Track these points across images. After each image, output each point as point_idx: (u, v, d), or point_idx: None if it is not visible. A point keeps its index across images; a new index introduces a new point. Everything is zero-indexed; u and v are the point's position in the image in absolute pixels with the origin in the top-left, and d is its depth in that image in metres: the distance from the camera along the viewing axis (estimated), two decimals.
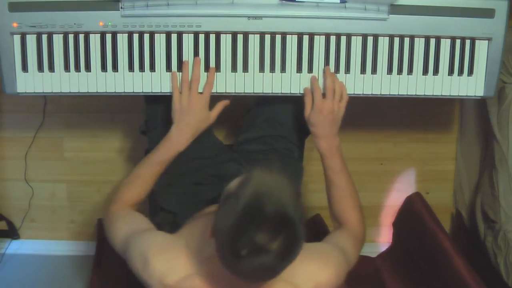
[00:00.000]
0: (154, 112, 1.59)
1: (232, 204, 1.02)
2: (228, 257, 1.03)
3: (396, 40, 1.49)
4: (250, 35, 1.46)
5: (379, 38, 1.49)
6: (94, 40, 1.45)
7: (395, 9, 1.46)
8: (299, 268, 1.16)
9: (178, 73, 1.46)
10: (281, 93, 1.50)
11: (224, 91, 1.48)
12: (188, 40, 1.46)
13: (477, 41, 1.51)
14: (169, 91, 1.47)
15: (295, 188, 1.07)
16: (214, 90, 1.47)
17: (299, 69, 1.49)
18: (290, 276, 1.16)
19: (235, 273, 1.05)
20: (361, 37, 1.48)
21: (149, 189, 1.44)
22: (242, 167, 1.61)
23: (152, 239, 1.22)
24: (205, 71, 1.47)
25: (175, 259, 1.17)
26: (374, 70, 1.51)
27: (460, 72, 1.52)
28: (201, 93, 1.44)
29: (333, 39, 1.48)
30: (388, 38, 1.49)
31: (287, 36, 1.47)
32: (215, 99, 1.50)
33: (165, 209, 1.56)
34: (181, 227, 1.48)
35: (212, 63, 1.47)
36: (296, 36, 1.47)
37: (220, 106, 1.47)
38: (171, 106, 1.43)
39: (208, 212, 1.49)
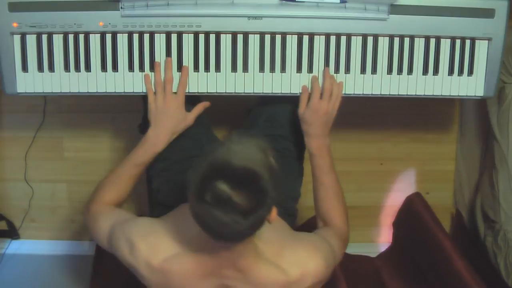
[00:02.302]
0: None
1: (205, 157, 1.07)
2: (195, 205, 1.05)
3: (396, 40, 1.49)
4: (250, 35, 1.46)
5: (379, 38, 1.49)
6: (94, 40, 1.45)
7: (395, 9, 1.46)
8: (287, 253, 1.19)
9: (151, 73, 1.46)
10: (281, 93, 1.50)
11: (224, 91, 1.48)
12: (188, 40, 1.46)
13: (477, 41, 1.51)
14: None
15: (272, 155, 1.11)
16: (214, 90, 1.48)
17: (299, 69, 1.48)
18: (278, 260, 1.18)
19: (205, 228, 1.07)
20: (361, 37, 1.48)
21: (129, 190, 1.46)
22: None
23: (136, 224, 1.26)
24: (205, 71, 1.47)
25: (160, 240, 1.20)
26: (374, 70, 1.51)
27: (460, 72, 1.52)
28: (175, 93, 1.45)
29: (333, 39, 1.48)
30: (388, 38, 1.49)
31: (287, 36, 1.47)
32: (216, 99, 1.50)
33: (164, 204, 1.56)
34: None
35: (212, 63, 1.47)
36: (296, 36, 1.47)
37: (199, 107, 1.48)
38: (148, 108, 1.45)
39: None
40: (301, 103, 1.46)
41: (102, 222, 1.34)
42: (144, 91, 1.47)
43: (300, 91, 1.48)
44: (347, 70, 1.50)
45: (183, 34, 1.46)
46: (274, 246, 1.20)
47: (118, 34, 1.45)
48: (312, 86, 1.46)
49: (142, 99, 1.62)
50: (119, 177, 1.44)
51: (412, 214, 1.96)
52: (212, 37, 1.46)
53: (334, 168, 1.47)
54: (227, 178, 1.02)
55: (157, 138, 1.43)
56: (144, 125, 1.64)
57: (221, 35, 1.46)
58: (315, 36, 1.48)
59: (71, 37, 1.45)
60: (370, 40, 1.49)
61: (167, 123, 1.43)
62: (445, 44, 1.51)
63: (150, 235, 1.22)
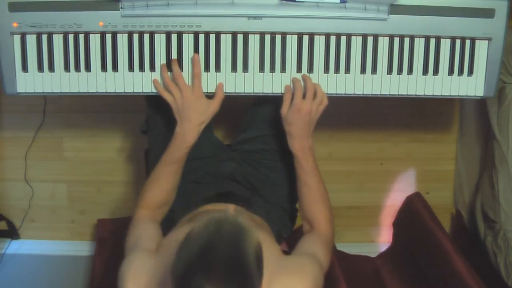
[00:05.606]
0: (155, 112, 1.59)
1: (188, 245, 0.95)
2: None
3: (396, 40, 1.49)
4: (250, 35, 1.46)
5: (379, 38, 1.49)
6: (94, 40, 1.45)
7: (395, 9, 1.46)
8: (276, 283, 1.16)
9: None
10: (281, 93, 1.49)
11: (224, 91, 1.48)
12: (188, 40, 1.46)
13: (477, 41, 1.50)
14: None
15: (258, 239, 0.99)
16: (214, 90, 1.47)
17: (299, 69, 1.48)
18: None
19: None
20: (361, 37, 1.48)
21: (172, 189, 1.46)
22: (240, 166, 1.61)
23: (133, 261, 1.23)
24: (205, 71, 1.47)
25: (147, 284, 1.17)
26: (374, 70, 1.50)
27: (460, 72, 1.52)
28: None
29: (333, 39, 1.48)
30: (388, 38, 1.49)
31: (287, 36, 1.47)
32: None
33: None
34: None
35: (212, 63, 1.47)
36: (296, 36, 1.47)
37: (219, 93, 1.45)
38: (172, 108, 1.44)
39: (199, 212, 1.49)
40: (284, 102, 1.44)
41: (131, 235, 1.35)
42: (144, 91, 1.47)
43: (283, 91, 1.46)
44: (347, 70, 1.50)
45: (183, 34, 1.46)
46: (264, 277, 1.09)
47: (118, 34, 1.45)
48: (294, 86, 1.45)
49: (145, 100, 1.62)
50: (158, 178, 1.44)
51: (412, 214, 1.96)
52: (212, 37, 1.46)
53: (318, 169, 1.47)
54: (211, 277, 0.90)
55: (185, 134, 1.42)
56: (146, 127, 1.64)
57: (221, 35, 1.46)
58: (315, 36, 1.48)
59: (71, 37, 1.45)
60: (370, 40, 1.49)
61: (191, 116, 1.42)
62: (445, 44, 1.51)
63: (139, 278, 1.19)
